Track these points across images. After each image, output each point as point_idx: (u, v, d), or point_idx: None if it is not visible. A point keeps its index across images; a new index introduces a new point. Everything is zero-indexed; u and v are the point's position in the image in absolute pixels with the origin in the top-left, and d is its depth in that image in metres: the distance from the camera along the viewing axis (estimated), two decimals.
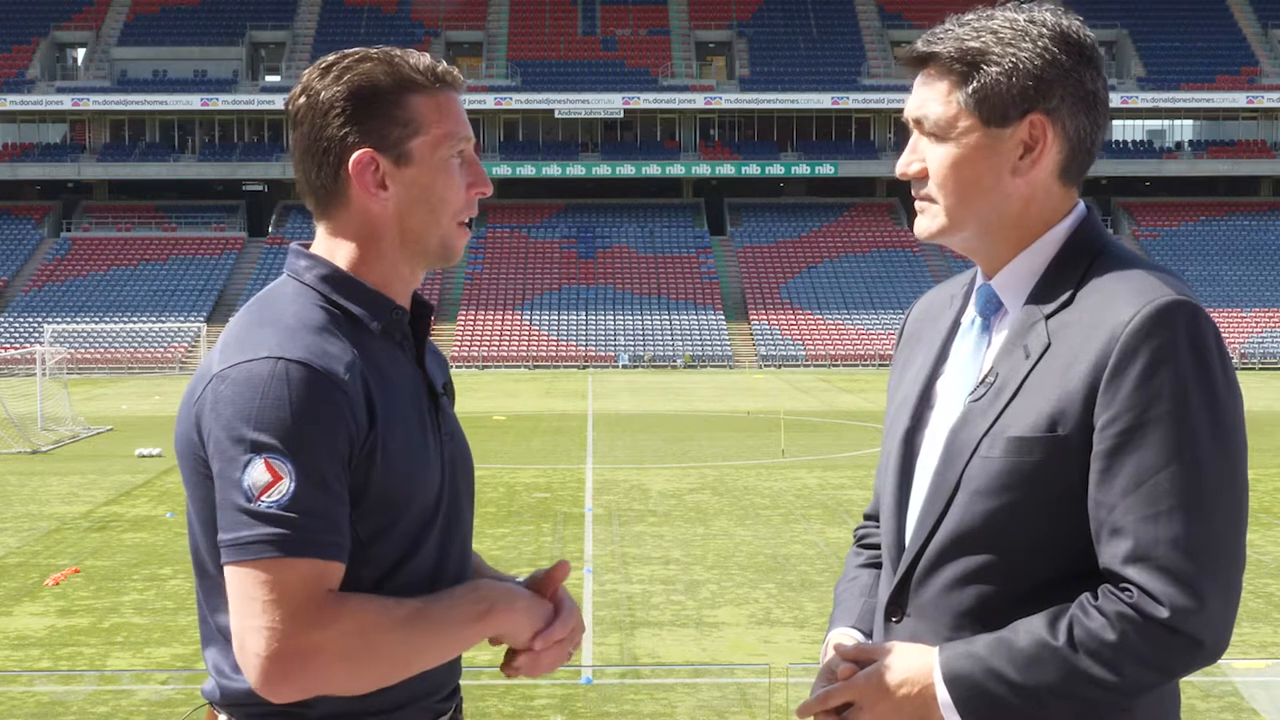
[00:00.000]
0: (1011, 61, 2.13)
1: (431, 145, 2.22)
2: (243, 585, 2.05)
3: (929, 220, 2.23)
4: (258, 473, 2.04)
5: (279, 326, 2.14)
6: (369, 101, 2.20)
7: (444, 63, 2.27)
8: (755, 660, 11.52)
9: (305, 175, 2.26)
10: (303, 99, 2.22)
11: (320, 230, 2.29)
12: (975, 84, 2.15)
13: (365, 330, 2.21)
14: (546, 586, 2.36)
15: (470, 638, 2.21)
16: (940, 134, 2.18)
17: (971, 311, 2.29)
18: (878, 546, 2.47)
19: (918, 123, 2.22)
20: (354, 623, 2.07)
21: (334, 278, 2.23)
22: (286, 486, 2.04)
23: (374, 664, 2.10)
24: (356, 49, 2.25)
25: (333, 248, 2.26)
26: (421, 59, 2.24)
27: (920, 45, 2.21)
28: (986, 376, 2.19)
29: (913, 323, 2.45)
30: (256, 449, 2.04)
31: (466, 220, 2.28)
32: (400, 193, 2.22)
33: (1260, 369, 55.60)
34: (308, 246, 2.30)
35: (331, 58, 2.24)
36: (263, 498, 2.04)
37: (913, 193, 2.25)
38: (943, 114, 2.17)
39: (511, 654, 2.29)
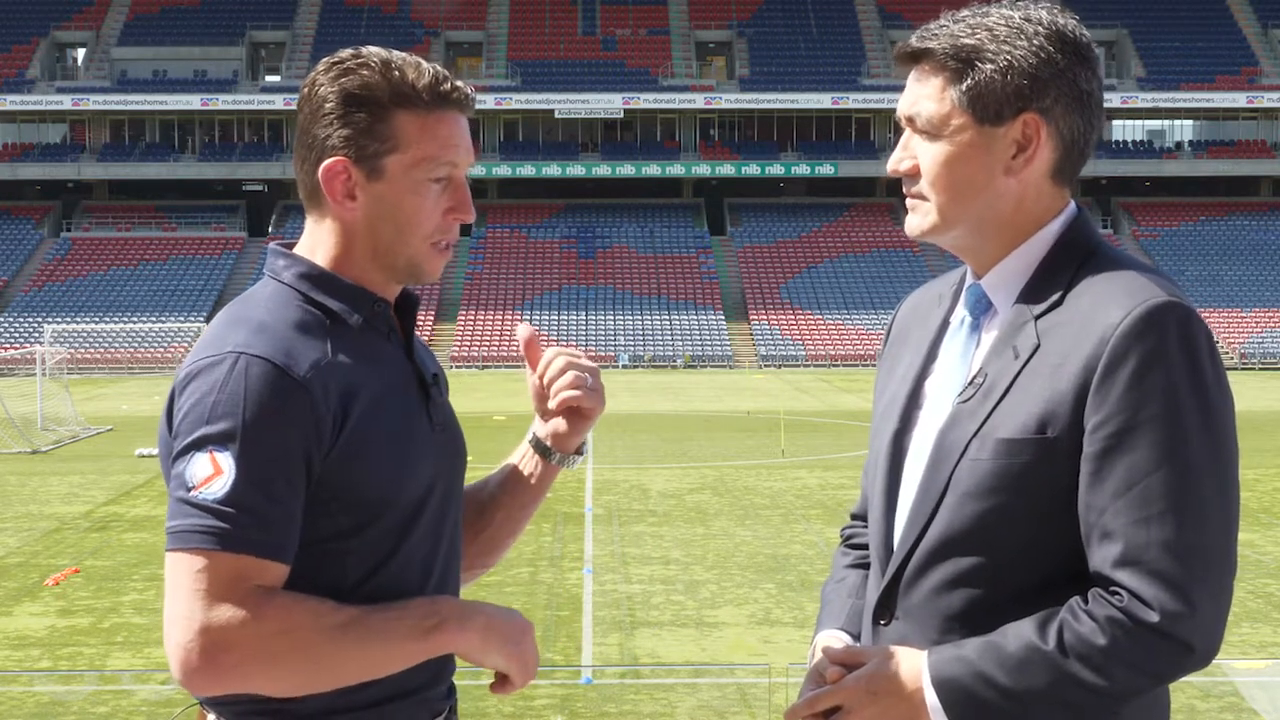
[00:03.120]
0: (1006, 60, 2.11)
1: (407, 165, 2.19)
2: (173, 573, 2.05)
3: (920, 218, 2.21)
4: (200, 465, 2.05)
5: (249, 324, 2.15)
6: (356, 109, 2.17)
7: (454, 81, 2.22)
8: (755, 660, 11.51)
9: (296, 166, 2.27)
10: (305, 89, 2.22)
11: (307, 223, 2.29)
12: (969, 81, 2.12)
13: (345, 326, 2.20)
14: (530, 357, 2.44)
15: (413, 652, 2.14)
16: (933, 131, 2.16)
17: (960, 311, 2.27)
18: (865, 546, 2.46)
19: (910, 120, 2.19)
20: (277, 622, 2.04)
21: (311, 275, 2.22)
22: (225, 480, 2.04)
23: (297, 667, 2.06)
24: (370, 50, 2.22)
25: (314, 243, 2.26)
26: (426, 74, 2.19)
27: (914, 41, 2.18)
28: (975, 377, 2.17)
29: (900, 321, 2.42)
30: (203, 442, 2.06)
31: (444, 243, 2.25)
32: (368, 205, 2.20)
33: (1260, 369, 55.58)
34: (290, 246, 2.29)
35: (345, 54, 2.22)
36: (200, 489, 2.04)
37: (904, 190, 2.23)
38: (936, 111, 2.15)
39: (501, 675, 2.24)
